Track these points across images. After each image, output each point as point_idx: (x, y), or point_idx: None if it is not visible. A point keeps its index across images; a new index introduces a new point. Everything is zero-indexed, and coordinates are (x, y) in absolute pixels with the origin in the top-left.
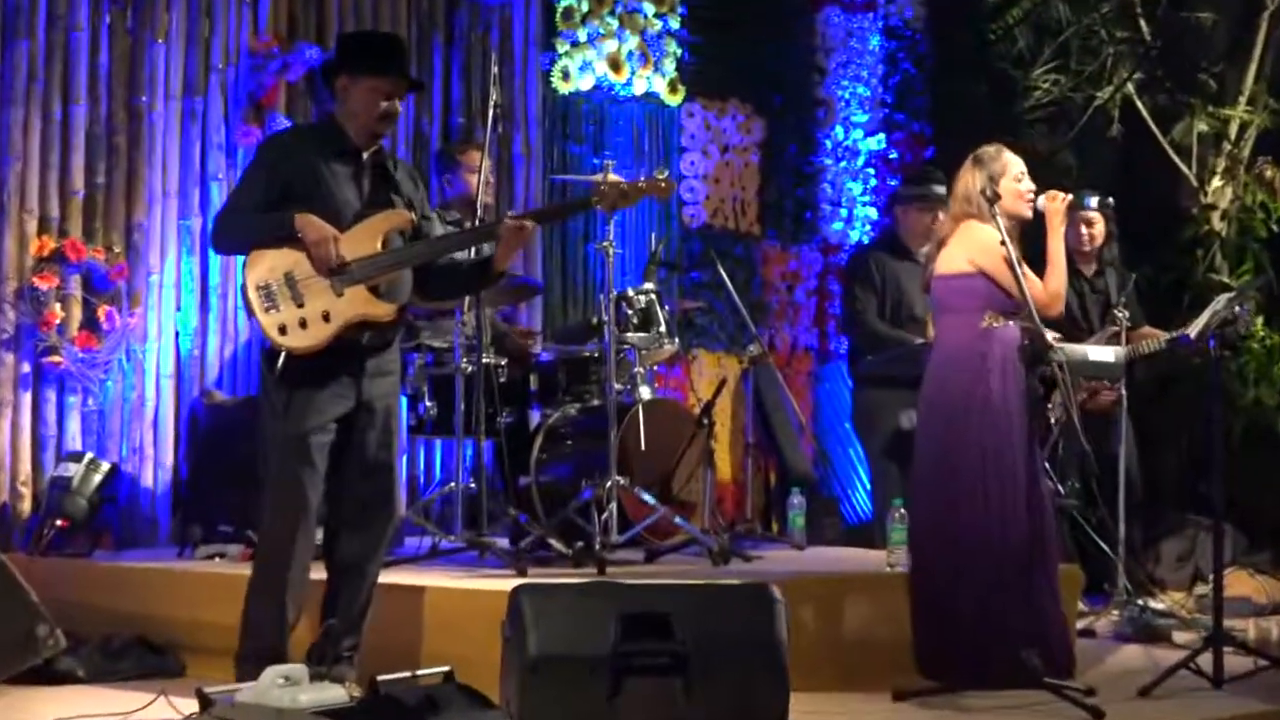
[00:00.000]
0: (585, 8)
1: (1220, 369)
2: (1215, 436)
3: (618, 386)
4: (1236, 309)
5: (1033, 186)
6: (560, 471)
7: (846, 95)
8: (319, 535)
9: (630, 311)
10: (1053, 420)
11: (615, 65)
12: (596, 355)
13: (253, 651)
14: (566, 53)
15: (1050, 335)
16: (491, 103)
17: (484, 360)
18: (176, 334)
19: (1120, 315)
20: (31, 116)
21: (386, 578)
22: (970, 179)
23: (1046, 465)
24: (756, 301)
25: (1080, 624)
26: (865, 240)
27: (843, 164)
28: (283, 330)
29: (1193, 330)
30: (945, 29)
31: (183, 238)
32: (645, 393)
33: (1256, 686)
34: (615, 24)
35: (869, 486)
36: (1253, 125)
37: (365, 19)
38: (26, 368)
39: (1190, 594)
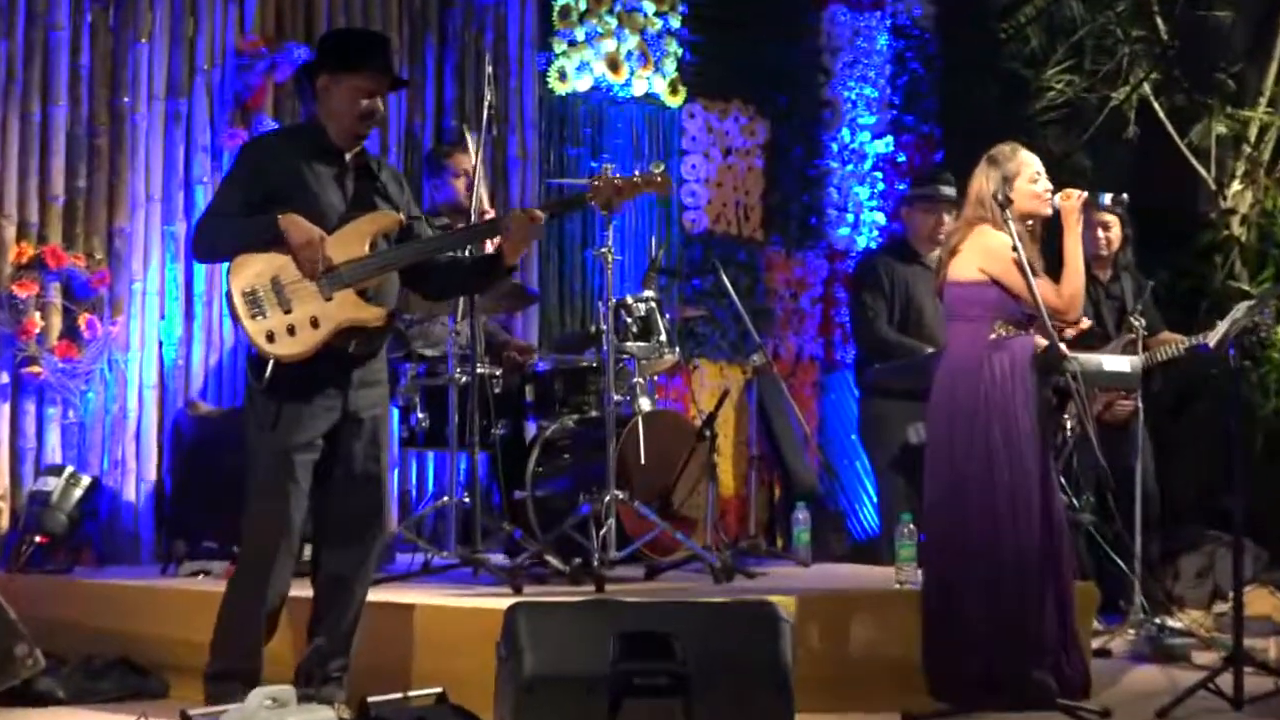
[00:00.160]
0: (583, 6)
1: (1240, 379)
2: (1235, 449)
3: (616, 397)
4: (1257, 317)
5: (1049, 186)
6: (557, 485)
7: (853, 96)
8: (306, 551)
9: (630, 320)
10: (1067, 432)
11: (614, 65)
12: (595, 365)
13: (224, 671)
14: (563, 52)
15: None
16: (486, 104)
17: (478, 370)
18: (160, 343)
19: (1137, 322)
20: (10, 118)
21: (377, 595)
22: (983, 180)
23: (1061, 479)
24: (760, 309)
25: (1096, 643)
26: (873, 246)
27: (849, 167)
28: (270, 337)
29: (1211, 339)
30: (955, 28)
31: (166, 244)
32: (645, 404)
33: (1278, 708)
34: (614, 23)
35: (876, 501)
36: (1273, 127)
37: (355, 17)
38: (5, 378)
39: (1209, 612)
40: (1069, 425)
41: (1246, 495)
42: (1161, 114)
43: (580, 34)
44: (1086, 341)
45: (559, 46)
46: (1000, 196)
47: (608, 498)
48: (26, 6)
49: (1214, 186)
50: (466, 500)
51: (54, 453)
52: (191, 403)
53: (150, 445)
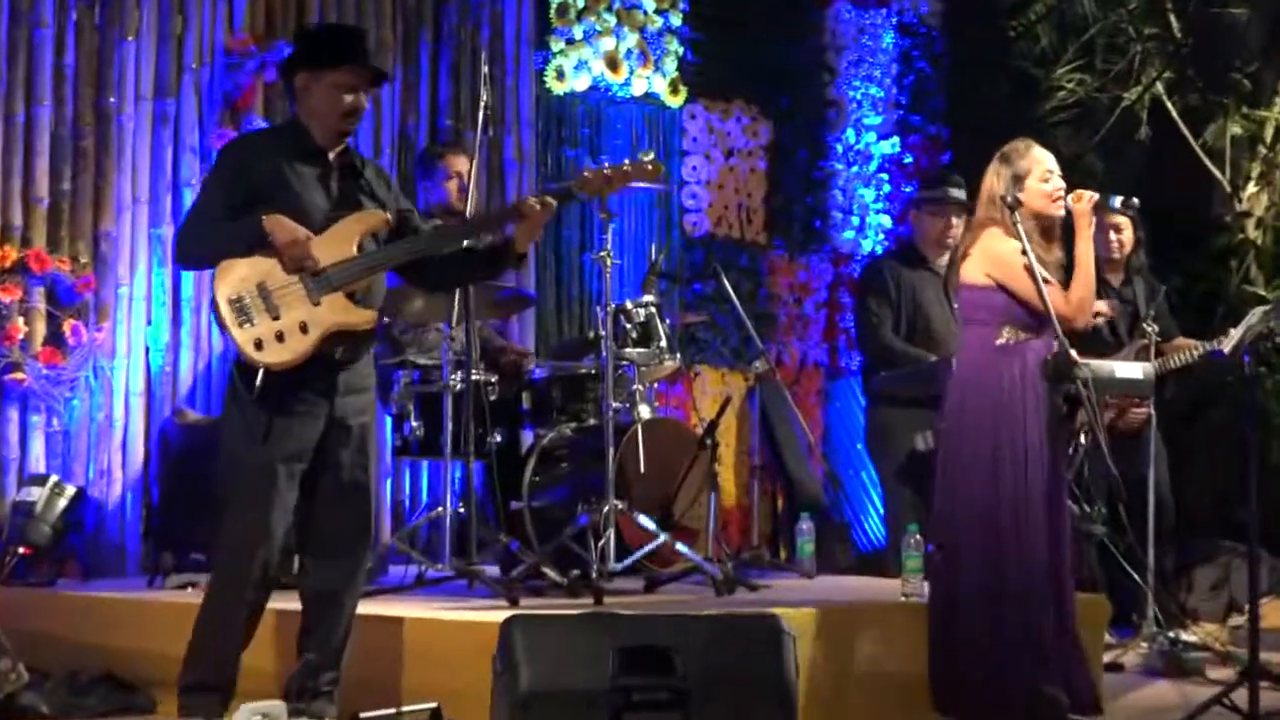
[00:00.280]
0: (581, 3)
1: (1256, 386)
2: (1251, 457)
3: (616, 405)
4: (1272, 322)
5: (1062, 185)
6: (554, 495)
7: (858, 96)
8: (294, 564)
9: (629, 325)
10: (1079, 440)
11: (613, 64)
12: (593, 372)
13: (199, 683)
14: (561, 51)
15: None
16: (481, 104)
17: (474, 377)
18: (147, 349)
19: (1150, 328)
20: None
21: (369, 608)
22: (994, 179)
23: (1072, 488)
24: (763, 315)
25: (1107, 657)
26: (878, 250)
27: (854, 169)
28: (259, 345)
29: (1226, 345)
30: (963, 25)
31: (153, 248)
32: (645, 411)
33: None
34: (613, 21)
35: (882, 511)
36: None
37: (349, 14)
38: None
39: (1224, 626)
40: (1081, 433)
41: (1262, 505)
42: (1175, 114)
43: (578, 32)
44: (1098, 348)
45: (556, 45)
46: (1009, 198)
47: (606, 508)
48: (10, 4)
49: (1229, 189)
50: (461, 511)
51: (38, 462)
52: (179, 411)
53: (136, 454)
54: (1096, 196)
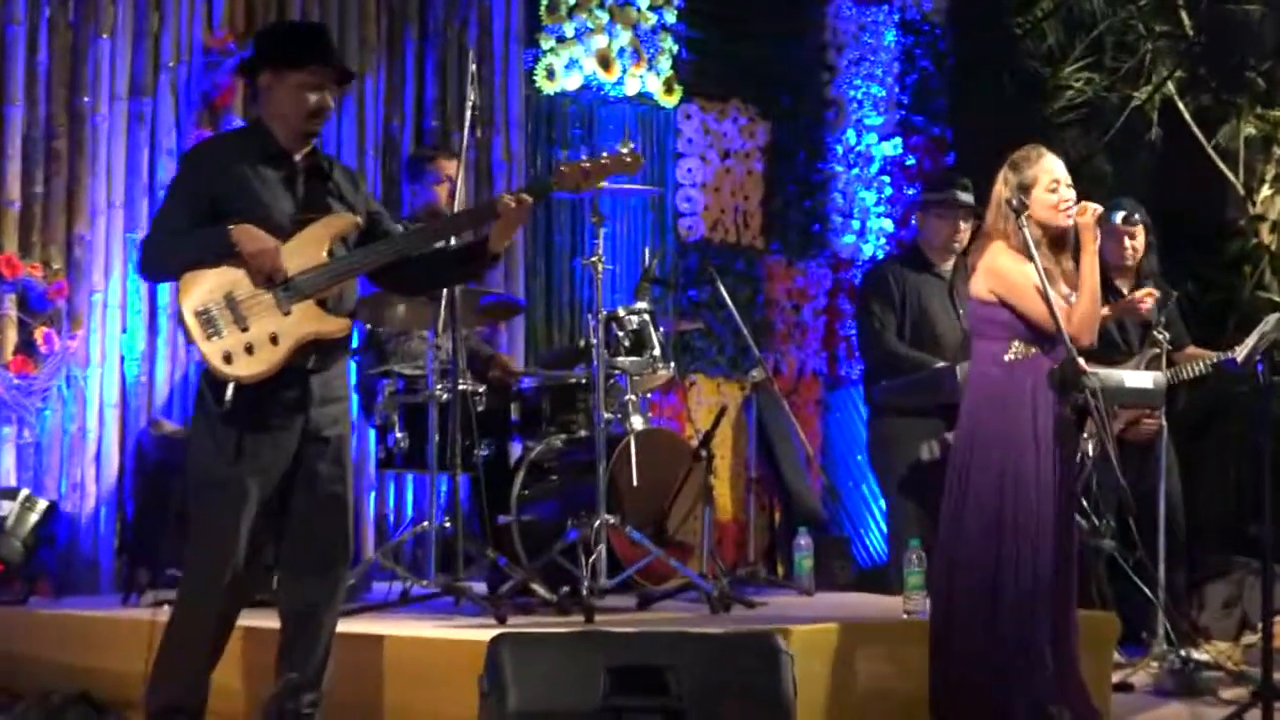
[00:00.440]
0: (572, 0)
1: (1270, 396)
2: (1265, 470)
3: (607, 415)
4: None
5: (1070, 196)
6: (544, 509)
7: (859, 96)
8: (273, 581)
9: (621, 333)
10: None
11: (605, 63)
12: (584, 381)
13: (167, 705)
14: (551, 49)
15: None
16: (469, 104)
17: (460, 387)
18: (122, 358)
19: (1160, 336)
20: None
21: (352, 626)
22: (1002, 187)
23: (1081, 501)
24: (760, 322)
25: (1117, 676)
26: (879, 255)
27: (855, 171)
28: (228, 359)
29: (1239, 353)
30: (967, 23)
31: (129, 253)
32: (638, 422)
33: None
34: (605, 18)
35: (884, 525)
36: None
37: (330, 11)
38: None
39: (1237, 644)
40: (1088, 445)
41: (1277, 519)
42: (1186, 114)
43: (569, 29)
44: (1108, 356)
45: (547, 42)
46: (1015, 202)
47: (598, 522)
48: None
49: (1242, 191)
50: (448, 525)
51: (8, 475)
52: (155, 422)
53: (111, 467)
54: (1100, 210)
